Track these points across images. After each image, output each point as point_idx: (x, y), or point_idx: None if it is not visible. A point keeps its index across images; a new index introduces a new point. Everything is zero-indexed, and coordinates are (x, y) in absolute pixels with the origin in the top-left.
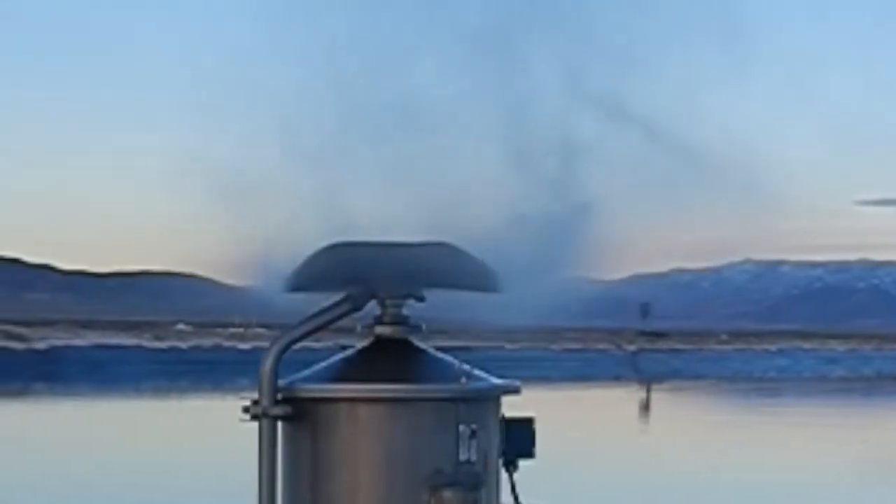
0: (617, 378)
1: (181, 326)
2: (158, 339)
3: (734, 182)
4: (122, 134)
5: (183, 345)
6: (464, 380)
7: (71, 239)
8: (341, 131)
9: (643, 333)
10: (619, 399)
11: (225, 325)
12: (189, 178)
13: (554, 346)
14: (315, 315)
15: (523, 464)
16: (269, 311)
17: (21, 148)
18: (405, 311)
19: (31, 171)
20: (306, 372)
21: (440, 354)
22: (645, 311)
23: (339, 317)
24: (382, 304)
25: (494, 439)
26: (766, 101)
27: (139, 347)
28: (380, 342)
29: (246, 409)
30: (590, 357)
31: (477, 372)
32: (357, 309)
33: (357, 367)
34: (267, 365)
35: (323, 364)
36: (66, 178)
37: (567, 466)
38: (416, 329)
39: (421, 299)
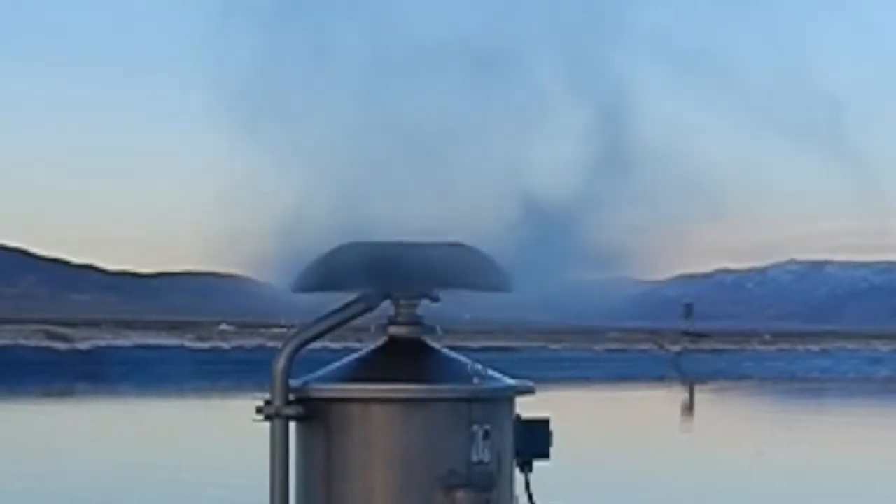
0: (660, 379)
1: (224, 327)
2: (201, 339)
3: (777, 183)
4: (166, 135)
5: (225, 345)
6: (476, 380)
7: (115, 239)
8: (356, 131)
9: (686, 334)
10: (662, 400)
11: (268, 326)
12: (213, 180)
13: (596, 347)
14: (328, 315)
15: (570, 463)
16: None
17: (65, 148)
18: (419, 311)
19: (75, 172)
20: (320, 372)
21: (453, 354)
22: (688, 311)
23: (353, 317)
24: (396, 305)
25: (508, 440)
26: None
27: (182, 348)
28: (393, 342)
29: (259, 410)
30: (632, 358)
31: (490, 372)
32: (371, 309)
33: (370, 368)
34: (279, 365)
35: (336, 364)
36: (110, 178)
37: (608, 467)
38: (429, 329)
39: (435, 299)
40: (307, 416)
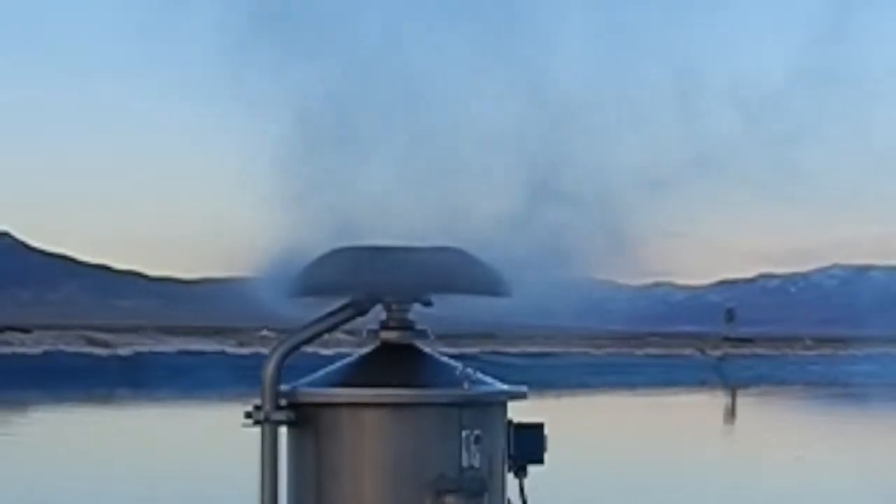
0: (702, 384)
1: (265, 332)
2: (242, 345)
3: (822, 188)
4: (208, 141)
5: (266, 351)
6: (467, 385)
7: (158, 245)
8: (347, 135)
9: (728, 339)
10: (704, 405)
11: None
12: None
13: (638, 352)
14: (319, 319)
15: (614, 466)
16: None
17: (109, 155)
18: (411, 316)
19: (119, 178)
20: (310, 376)
21: (445, 359)
22: (730, 316)
23: (344, 321)
24: (388, 309)
25: (500, 445)
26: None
27: (222, 353)
28: (384, 347)
29: (248, 415)
30: (674, 363)
31: (481, 377)
32: (362, 313)
33: (361, 372)
34: (269, 369)
35: (327, 368)
36: (156, 184)
37: (650, 470)
38: (421, 334)
39: (428, 304)
40: (297, 421)
